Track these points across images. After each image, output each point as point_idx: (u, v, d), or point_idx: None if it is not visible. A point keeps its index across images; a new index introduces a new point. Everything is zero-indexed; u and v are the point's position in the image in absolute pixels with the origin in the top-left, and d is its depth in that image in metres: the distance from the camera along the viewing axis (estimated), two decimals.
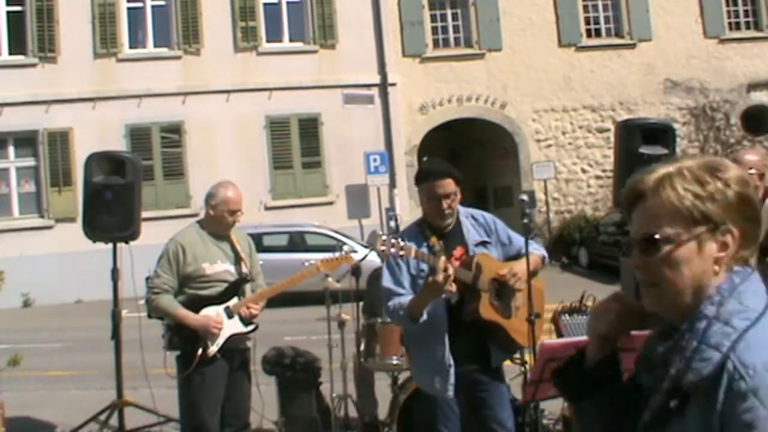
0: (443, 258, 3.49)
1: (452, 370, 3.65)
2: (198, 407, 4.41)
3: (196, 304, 4.46)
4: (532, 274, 3.78)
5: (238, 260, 4.60)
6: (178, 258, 4.48)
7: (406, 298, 3.63)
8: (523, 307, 3.74)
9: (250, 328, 4.54)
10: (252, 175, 18.12)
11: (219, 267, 4.52)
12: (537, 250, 3.92)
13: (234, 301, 4.52)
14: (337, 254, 4.74)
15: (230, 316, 4.48)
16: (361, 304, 5.95)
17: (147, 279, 4.68)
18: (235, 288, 4.55)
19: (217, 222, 4.60)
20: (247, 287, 4.68)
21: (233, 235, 4.66)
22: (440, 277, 3.35)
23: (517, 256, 3.86)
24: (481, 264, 3.67)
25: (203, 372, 4.42)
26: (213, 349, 4.40)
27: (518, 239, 3.94)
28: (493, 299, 3.68)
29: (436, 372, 3.68)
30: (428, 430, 3.78)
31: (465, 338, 3.67)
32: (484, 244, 3.83)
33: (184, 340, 4.46)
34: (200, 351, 4.39)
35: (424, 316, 3.60)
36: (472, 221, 3.89)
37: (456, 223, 3.82)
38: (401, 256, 3.53)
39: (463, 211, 3.89)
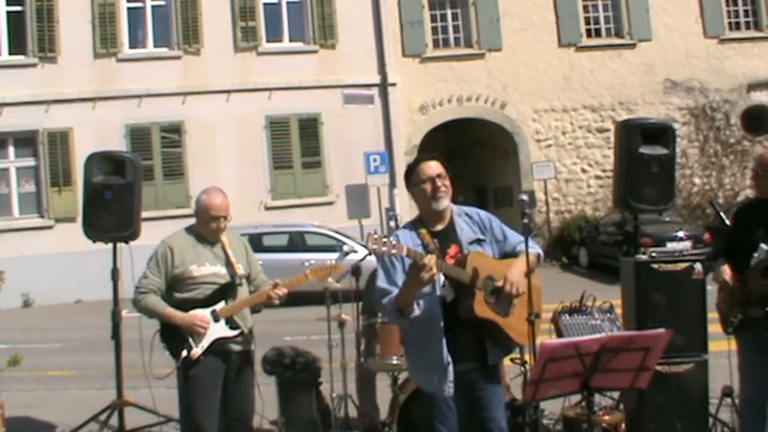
0: (430, 255, 3.49)
1: (450, 368, 3.65)
2: (192, 408, 4.41)
3: (183, 306, 4.44)
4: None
5: (229, 263, 4.56)
6: (166, 260, 4.48)
7: (397, 293, 3.63)
8: (521, 306, 3.69)
9: (236, 332, 4.49)
10: (252, 175, 18.13)
11: (206, 269, 4.50)
12: (532, 248, 3.85)
13: (221, 305, 4.48)
14: (328, 263, 4.73)
15: (216, 319, 4.44)
16: (361, 304, 5.97)
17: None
18: (222, 292, 4.51)
19: (203, 228, 4.58)
20: (244, 288, 4.63)
21: (224, 237, 4.62)
22: (421, 265, 3.41)
23: (512, 253, 3.84)
24: (475, 262, 3.66)
25: (192, 374, 4.40)
26: (197, 351, 4.38)
27: (513, 235, 3.92)
28: (488, 297, 3.66)
29: (435, 370, 3.68)
30: (427, 429, 3.78)
31: (462, 336, 3.67)
32: (478, 241, 3.82)
33: (171, 340, 4.45)
34: (184, 353, 4.38)
35: (416, 312, 3.59)
36: (466, 219, 3.89)
37: (449, 222, 3.82)
38: (393, 254, 3.51)
39: (457, 210, 3.89)
